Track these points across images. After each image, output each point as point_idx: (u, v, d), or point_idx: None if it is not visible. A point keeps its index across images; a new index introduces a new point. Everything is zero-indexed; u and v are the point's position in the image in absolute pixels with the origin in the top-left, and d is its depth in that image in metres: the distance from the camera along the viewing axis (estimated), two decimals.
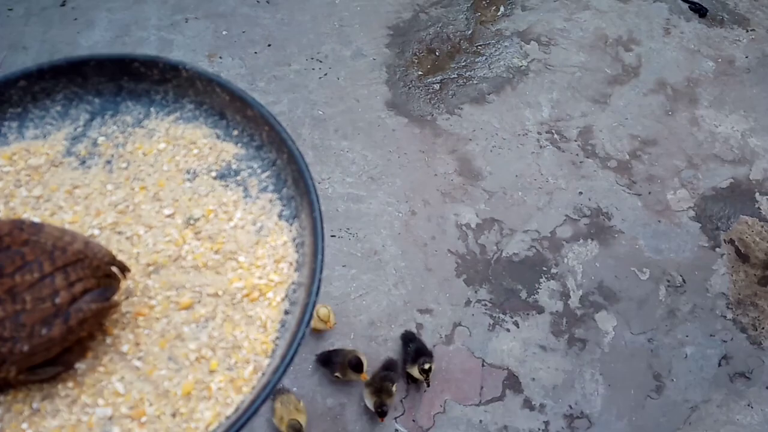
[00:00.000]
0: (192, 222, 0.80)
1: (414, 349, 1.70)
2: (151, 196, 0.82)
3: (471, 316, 1.79)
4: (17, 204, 0.81)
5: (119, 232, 0.79)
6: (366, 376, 1.59)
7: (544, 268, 1.88)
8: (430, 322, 1.78)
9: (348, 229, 1.91)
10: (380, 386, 1.65)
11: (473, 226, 1.94)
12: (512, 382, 1.71)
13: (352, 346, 1.72)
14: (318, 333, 1.73)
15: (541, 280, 1.86)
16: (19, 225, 0.65)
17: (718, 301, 1.85)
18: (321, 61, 2.27)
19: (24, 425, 0.65)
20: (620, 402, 1.69)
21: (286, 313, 0.73)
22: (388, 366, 1.71)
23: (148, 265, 0.76)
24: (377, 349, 1.74)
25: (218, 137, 0.88)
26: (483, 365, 1.73)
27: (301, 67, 2.25)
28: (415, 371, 1.64)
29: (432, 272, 1.85)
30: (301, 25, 2.36)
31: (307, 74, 2.23)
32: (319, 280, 0.71)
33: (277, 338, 0.72)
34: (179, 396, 0.68)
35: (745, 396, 1.72)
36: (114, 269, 0.70)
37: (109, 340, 0.71)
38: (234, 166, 0.86)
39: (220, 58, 2.24)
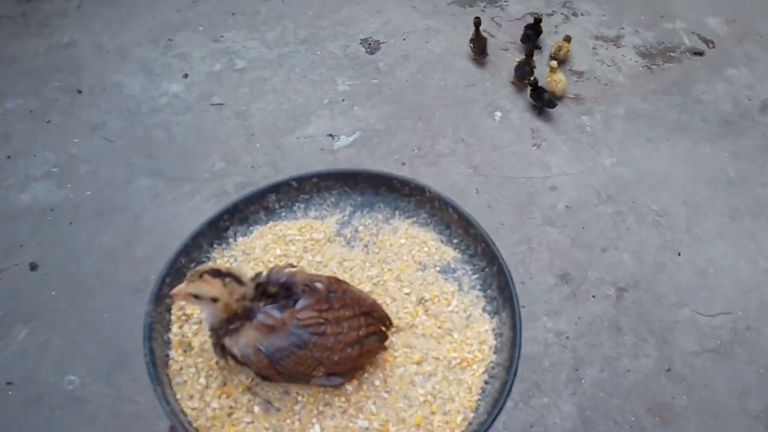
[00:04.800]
0: (423, 301, 1.14)
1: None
2: (394, 276, 1.17)
3: None
4: (305, 264, 1.19)
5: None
6: None
7: None
8: None
9: None
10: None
11: None
12: None
13: None
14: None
15: None
16: (336, 279, 1.02)
17: None
18: None
19: (313, 420, 0.99)
20: None
21: (486, 383, 1.04)
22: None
23: (392, 327, 1.10)
24: None
25: (442, 242, 1.22)
26: None
27: None
28: None
29: None
30: None
31: None
32: (517, 365, 1.00)
33: (479, 400, 1.02)
34: (412, 424, 0.99)
35: None
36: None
37: (366, 375, 1.04)
38: (452, 266, 1.19)
39: None
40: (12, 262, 2.28)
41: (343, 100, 2.90)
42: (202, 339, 1.07)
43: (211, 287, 0.93)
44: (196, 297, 0.95)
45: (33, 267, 2.26)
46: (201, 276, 0.94)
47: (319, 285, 0.98)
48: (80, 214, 2.43)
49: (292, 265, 1.01)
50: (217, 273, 0.94)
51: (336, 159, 2.61)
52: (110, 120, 2.76)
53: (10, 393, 1.99)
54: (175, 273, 1.11)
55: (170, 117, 2.80)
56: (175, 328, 1.08)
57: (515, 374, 1.00)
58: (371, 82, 2.99)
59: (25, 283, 2.23)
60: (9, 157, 2.60)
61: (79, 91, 2.85)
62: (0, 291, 2.21)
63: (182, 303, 1.04)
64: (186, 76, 2.96)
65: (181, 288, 0.94)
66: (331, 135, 2.72)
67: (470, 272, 1.18)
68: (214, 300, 0.94)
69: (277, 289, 0.98)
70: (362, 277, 1.17)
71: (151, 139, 2.71)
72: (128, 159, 2.63)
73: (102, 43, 3.08)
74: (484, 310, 1.13)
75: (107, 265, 2.29)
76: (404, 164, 2.62)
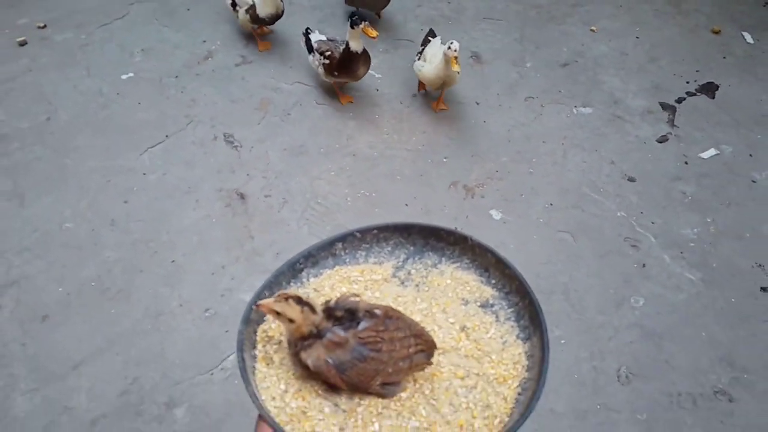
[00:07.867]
0: (465, 329, 1.34)
1: None
2: (441, 309, 1.39)
3: None
4: (365, 299, 1.42)
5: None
6: None
7: None
8: None
9: None
10: None
11: None
12: None
13: None
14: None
15: None
16: (392, 309, 1.24)
17: None
18: None
19: (373, 419, 1.18)
20: None
21: (519, 394, 1.21)
22: None
23: (439, 349, 1.30)
24: None
25: (482, 282, 1.44)
26: None
27: None
28: None
29: None
30: None
31: None
32: (544, 379, 1.18)
33: (513, 408, 1.19)
34: (456, 426, 1.17)
35: None
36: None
37: (417, 385, 1.24)
38: (490, 302, 1.40)
39: None
40: None
41: None
42: (282, 355, 1.30)
43: (292, 311, 1.19)
44: (278, 314, 1.19)
45: None
46: (287, 299, 1.19)
47: (377, 311, 1.22)
48: None
49: (355, 295, 1.25)
50: (299, 300, 1.20)
51: None
52: None
53: None
54: None
55: None
56: (259, 347, 1.32)
57: (543, 386, 1.17)
58: None
59: None
60: None
61: None
62: None
63: (264, 313, 1.27)
64: None
65: (268, 302, 1.20)
66: None
67: (506, 307, 1.38)
68: (291, 321, 1.19)
69: (343, 313, 1.22)
70: (414, 310, 1.39)
71: None
72: None
73: None
74: (518, 337, 1.32)
75: None
76: None
